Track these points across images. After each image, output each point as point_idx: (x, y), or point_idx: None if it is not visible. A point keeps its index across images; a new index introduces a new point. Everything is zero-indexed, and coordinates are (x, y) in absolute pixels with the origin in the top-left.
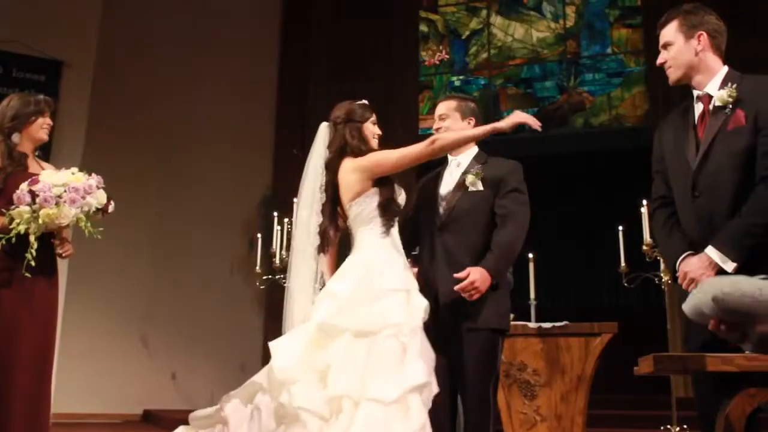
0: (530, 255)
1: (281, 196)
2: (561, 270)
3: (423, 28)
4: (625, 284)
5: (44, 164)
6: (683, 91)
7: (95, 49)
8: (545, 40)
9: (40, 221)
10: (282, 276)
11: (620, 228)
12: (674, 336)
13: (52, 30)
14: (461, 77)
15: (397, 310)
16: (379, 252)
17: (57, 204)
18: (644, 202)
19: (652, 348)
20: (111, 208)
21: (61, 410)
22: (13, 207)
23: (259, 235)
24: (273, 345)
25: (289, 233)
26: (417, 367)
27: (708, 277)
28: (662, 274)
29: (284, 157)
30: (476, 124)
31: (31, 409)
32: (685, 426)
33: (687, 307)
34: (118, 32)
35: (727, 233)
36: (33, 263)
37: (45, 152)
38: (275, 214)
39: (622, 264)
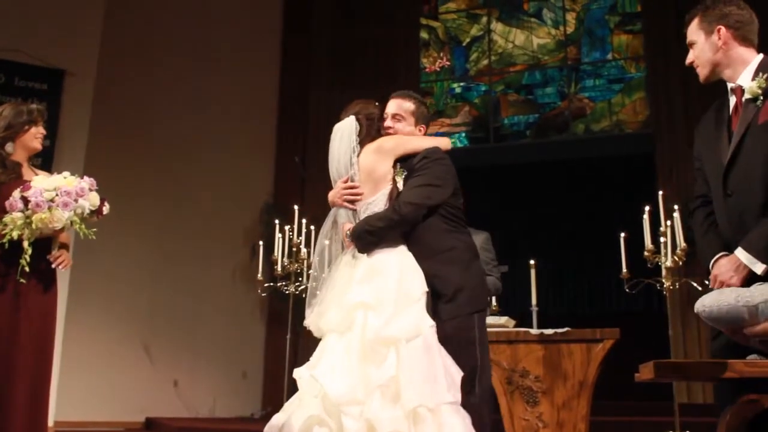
0: (531, 261)
1: (283, 204)
2: (562, 276)
3: (424, 35)
4: (627, 290)
5: (39, 172)
6: (685, 97)
7: (97, 58)
8: (546, 46)
9: (34, 226)
10: (284, 283)
11: (622, 234)
12: (676, 342)
13: (55, 39)
14: (462, 84)
15: (425, 312)
16: (404, 253)
17: (49, 208)
18: (646, 208)
19: (655, 354)
20: (106, 210)
21: (64, 418)
22: (6, 214)
23: (260, 243)
24: (317, 373)
25: (291, 240)
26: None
27: (737, 280)
28: (663, 280)
29: (285, 165)
30: (425, 132)
31: (30, 416)
32: None
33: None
34: (120, 41)
35: (757, 234)
36: (27, 269)
37: (47, 161)
38: (277, 221)
39: (624, 270)
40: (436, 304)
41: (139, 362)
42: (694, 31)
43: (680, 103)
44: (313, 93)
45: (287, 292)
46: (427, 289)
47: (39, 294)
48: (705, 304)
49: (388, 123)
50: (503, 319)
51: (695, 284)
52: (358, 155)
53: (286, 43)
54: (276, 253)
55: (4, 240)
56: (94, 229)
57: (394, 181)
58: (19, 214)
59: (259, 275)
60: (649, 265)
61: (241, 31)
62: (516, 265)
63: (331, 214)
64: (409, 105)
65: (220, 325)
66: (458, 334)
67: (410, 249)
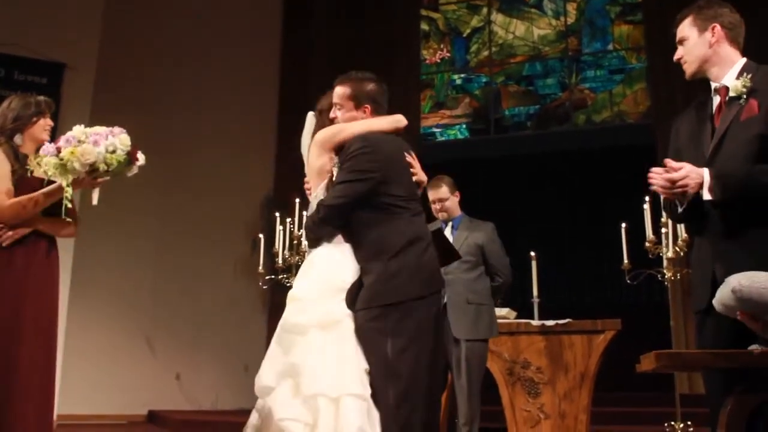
0: (532, 253)
1: (283, 197)
2: (563, 267)
3: (424, 26)
4: (628, 281)
5: None
6: (685, 87)
7: (97, 52)
8: (546, 37)
9: (66, 160)
10: (285, 276)
11: (623, 225)
12: (677, 332)
13: (54, 32)
14: (462, 75)
15: (343, 302)
16: (336, 246)
17: (80, 141)
18: (646, 198)
19: (656, 345)
20: (141, 159)
21: (66, 411)
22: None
23: (261, 236)
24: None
25: (292, 233)
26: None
27: (690, 188)
28: (665, 271)
29: (286, 158)
30: (373, 111)
31: (37, 404)
32: (689, 422)
33: (715, 301)
34: (120, 35)
35: (728, 174)
36: (70, 205)
37: None
38: (277, 214)
39: (625, 261)
40: (356, 294)
41: (141, 355)
42: (687, 28)
43: (681, 94)
44: (313, 85)
45: (288, 284)
46: (351, 280)
47: (42, 279)
48: (742, 283)
49: (331, 114)
50: (504, 311)
51: None
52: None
53: (286, 35)
54: (277, 246)
55: (48, 175)
56: (141, 161)
57: (332, 174)
58: (53, 159)
59: (261, 268)
60: (650, 256)
61: (241, 24)
62: (517, 256)
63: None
64: (344, 90)
65: (221, 318)
66: (366, 324)
67: (348, 242)
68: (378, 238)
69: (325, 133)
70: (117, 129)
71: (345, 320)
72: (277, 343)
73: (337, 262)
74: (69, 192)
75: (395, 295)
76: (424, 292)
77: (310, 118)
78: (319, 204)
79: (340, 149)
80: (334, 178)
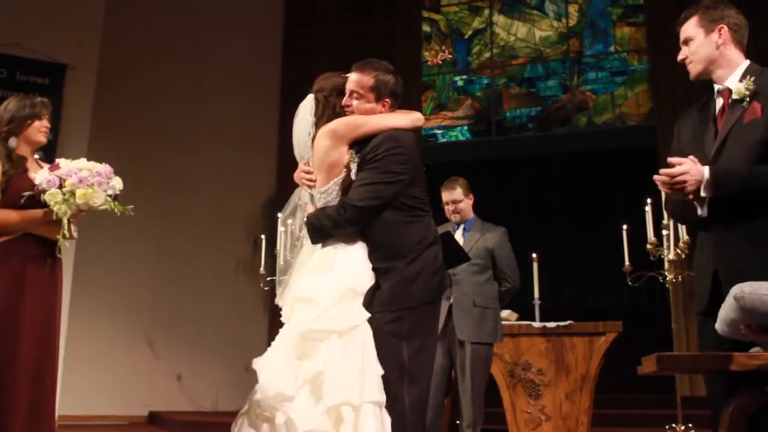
0: (534, 255)
1: (285, 197)
2: (565, 269)
3: (425, 27)
4: (630, 283)
5: (45, 165)
6: (687, 88)
7: (99, 52)
8: (548, 39)
9: (78, 200)
10: (286, 277)
11: (624, 227)
12: (679, 335)
13: (56, 33)
14: (464, 77)
15: (361, 307)
16: (356, 250)
17: (90, 185)
18: (648, 200)
19: (657, 347)
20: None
21: (67, 412)
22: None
23: (263, 236)
24: (257, 363)
25: (293, 234)
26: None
27: (691, 186)
28: (666, 273)
29: (288, 158)
30: (391, 105)
31: (32, 405)
32: (690, 425)
33: (718, 324)
34: (121, 35)
35: (730, 172)
36: (67, 244)
37: (49, 155)
38: (279, 215)
39: (626, 263)
40: (373, 296)
41: (142, 356)
42: (692, 28)
43: (683, 95)
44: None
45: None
46: (369, 284)
47: (41, 276)
48: (745, 291)
49: (345, 101)
50: (506, 313)
51: None
52: (313, 137)
53: (287, 35)
54: (278, 247)
55: (53, 208)
56: (131, 206)
57: (348, 169)
58: (58, 191)
59: (262, 269)
60: (651, 258)
61: (242, 24)
62: (518, 258)
63: (295, 194)
64: (366, 79)
65: (222, 319)
66: (383, 327)
67: (362, 240)
68: (399, 240)
69: (343, 124)
70: (108, 169)
71: (363, 325)
72: (292, 348)
73: (359, 265)
74: (66, 227)
75: (414, 299)
76: (436, 296)
77: (310, 100)
78: (346, 203)
79: (355, 143)
80: (353, 175)
